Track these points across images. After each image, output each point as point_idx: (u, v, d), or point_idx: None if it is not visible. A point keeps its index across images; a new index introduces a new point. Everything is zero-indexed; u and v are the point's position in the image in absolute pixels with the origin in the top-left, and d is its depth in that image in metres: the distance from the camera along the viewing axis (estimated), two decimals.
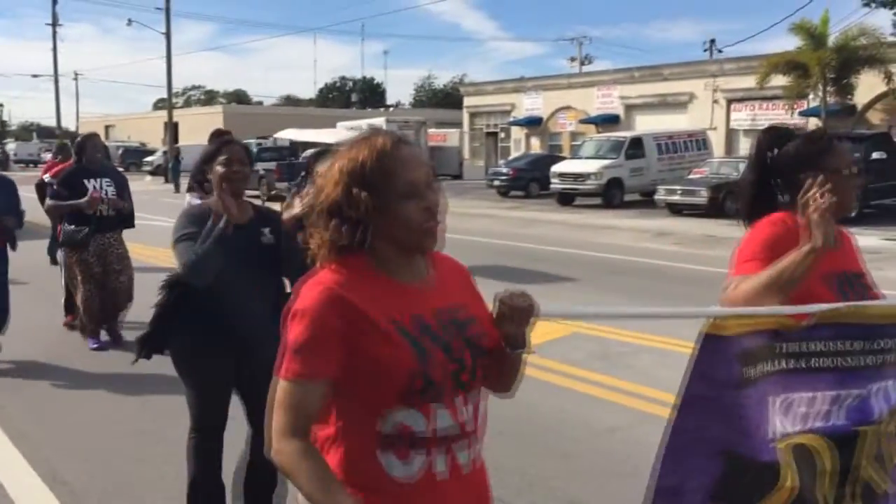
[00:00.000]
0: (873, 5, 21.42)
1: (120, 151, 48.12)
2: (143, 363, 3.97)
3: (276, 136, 27.60)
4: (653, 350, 7.22)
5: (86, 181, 6.84)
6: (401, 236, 1.75)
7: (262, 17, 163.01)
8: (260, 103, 78.56)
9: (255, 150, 31.38)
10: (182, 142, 43.24)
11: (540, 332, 6.97)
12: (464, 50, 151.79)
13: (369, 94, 78.30)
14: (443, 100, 69.50)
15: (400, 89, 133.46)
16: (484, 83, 41.21)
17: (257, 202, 3.71)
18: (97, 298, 6.97)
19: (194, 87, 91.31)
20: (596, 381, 6.23)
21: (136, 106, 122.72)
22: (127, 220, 7.21)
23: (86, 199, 6.74)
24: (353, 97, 76.38)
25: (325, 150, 3.52)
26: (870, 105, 24.68)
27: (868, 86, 22.96)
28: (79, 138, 7.15)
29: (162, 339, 3.46)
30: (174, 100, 41.99)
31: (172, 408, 5.52)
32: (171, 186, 31.89)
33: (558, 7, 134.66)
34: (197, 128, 52.14)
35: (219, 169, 3.40)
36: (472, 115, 39.00)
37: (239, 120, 54.26)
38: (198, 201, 7.29)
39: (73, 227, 6.86)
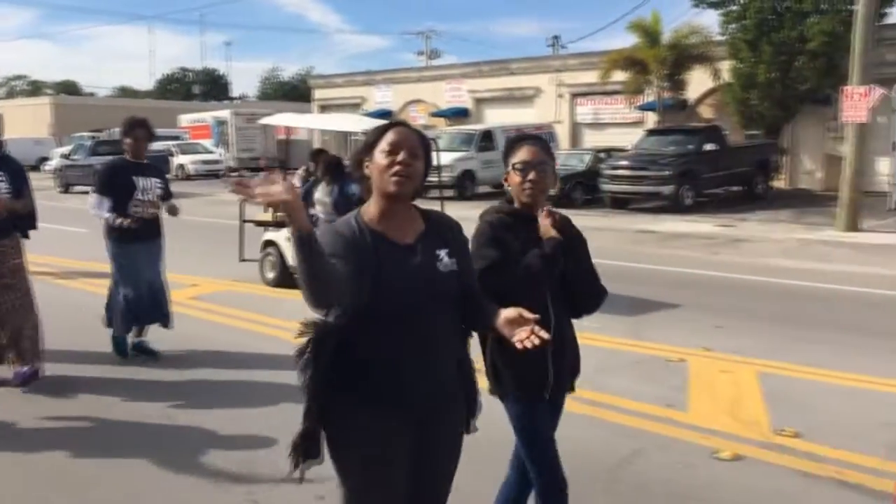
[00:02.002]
0: (703, 6, 22.71)
1: None
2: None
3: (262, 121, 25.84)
4: None
5: None
6: None
7: (91, 4, 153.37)
8: (92, 94, 74.03)
9: (89, 143, 29.61)
10: (7, 135, 40.04)
11: None
12: (310, 43, 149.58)
13: (212, 86, 75.59)
14: (290, 92, 68.11)
15: (245, 81, 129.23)
16: (333, 76, 40.70)
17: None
18: None
19: (17, 77, 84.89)
20: None
21: None
22: (24, 222, 5.80)
23: None
24: (195, 89, 73.47)
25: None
26: (701, 100, 26.24)
27: (699, 82, 24.42)
28: None
29: (320, 421, 2.40)
30: None
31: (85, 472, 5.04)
32: None
33: (403, 1, 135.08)
34: (23, 120, 48.52)
35: (381, 160, 2.37)
36: (322, 108, 38.40)
37: (70, 112, 50.97)
38: (106, 214, 6.18)
39: None
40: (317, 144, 37.55)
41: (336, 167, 9.27)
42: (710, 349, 6.73)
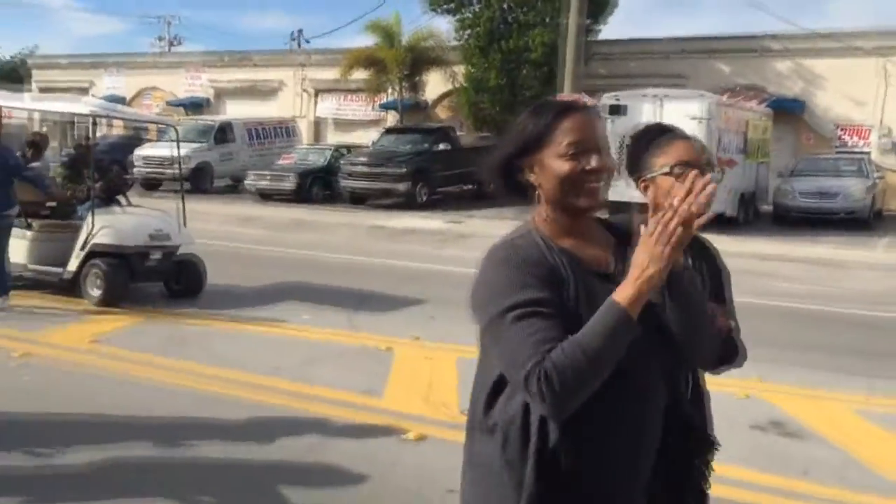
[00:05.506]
0: (438, 11, 23.61)
1: None
2: None
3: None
4: (223, 332, 7.17)
5: None
6: None
7: None
8: None
9: None
10: None
11: (109, 321, 6.43)
12: (32, 21, 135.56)
13: None
14: (9, 74, 61.54)
15: None
16: (56, 56, 37.45)
17: None
18: None
19: None
20: (169, 367, 5.93)
21: None
22: None
23: None
24: None
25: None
26: (438, 101, 27.27)
27: (436, 84, 25.37)
28: None
29: None
30: None
31: None
32: None
33: None
34: None
35: (560, 166, 1.68)
36: (43, 93, 35.14)
37: None
38: None
39: None
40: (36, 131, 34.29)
41: None
42: (419, 338, 6.96)
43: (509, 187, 1.77)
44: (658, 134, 2.18)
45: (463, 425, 1.83)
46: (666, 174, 2.07)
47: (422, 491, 3.98)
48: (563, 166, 1.65)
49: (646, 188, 2.14)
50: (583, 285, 1.60)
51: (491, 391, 1.69)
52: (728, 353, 1.98)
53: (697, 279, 1.77)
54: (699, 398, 2.04)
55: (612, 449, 1.63)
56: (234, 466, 4.17)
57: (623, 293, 1.51)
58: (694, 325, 1.69)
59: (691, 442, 1.81)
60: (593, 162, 1.65)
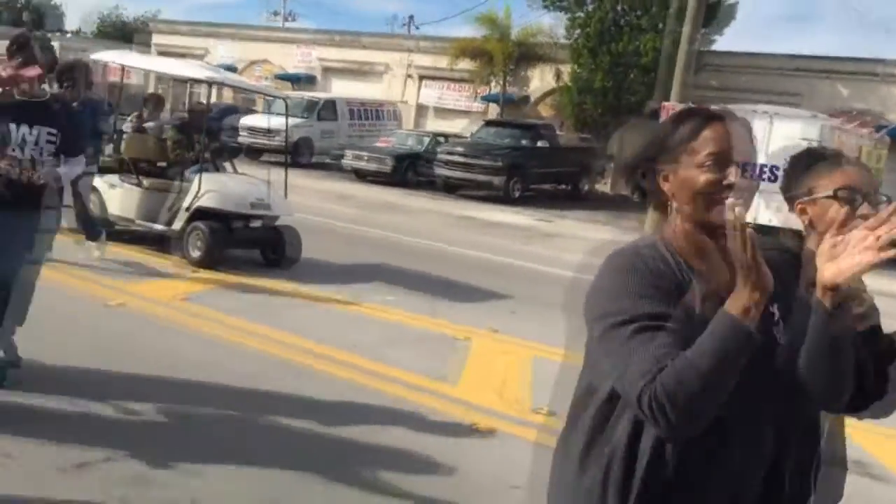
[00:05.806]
0: (552, 7, 23.49)
1: None
2: None
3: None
4: (308, 304, 7.35)
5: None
6: None
7: None
8: None
9: None
10: None
11: (202, 281, 6.65)
12: None
13: (42, 16, 69.95)
14: (130, 34, 64.28)
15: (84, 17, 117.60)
16: (177, 22, 38.86)
17: None
18: None
19: None
20: (251, 332, 6.13)
21: None
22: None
23: None
24: (25, 17, 67.76)
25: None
26: (542, 98, 27.13)
27: (541, 80, 25.26)
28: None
29: None
30: None
31: None
32: None
33: None
34: None
35: (697, 175, 1.59)
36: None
37: None
38: None
39: None
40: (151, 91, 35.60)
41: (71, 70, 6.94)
42: (497, 331, 6.99)
43: (636, 191, 1.71)
44: (820, 157, 2.07)
45: (534, 424, 1.84)
46: (829, 197, 1.96)
47: (486, 484, 4.02)
48: (699, 177, 1.58)
49: (802, 211, 2.02)
50: (710, 309, 1.48)
51: (599, 407, 1.62)
52: (870, 386, 1.70)
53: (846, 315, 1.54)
54: (814, 444, 1.84)
55: (711, 489, 1.57)
56: (299, 435, 4.28)
57: (732, 301, 1.44)
58: (833, 357, 1.55)
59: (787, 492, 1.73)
60: (732, 176, 1.56)
